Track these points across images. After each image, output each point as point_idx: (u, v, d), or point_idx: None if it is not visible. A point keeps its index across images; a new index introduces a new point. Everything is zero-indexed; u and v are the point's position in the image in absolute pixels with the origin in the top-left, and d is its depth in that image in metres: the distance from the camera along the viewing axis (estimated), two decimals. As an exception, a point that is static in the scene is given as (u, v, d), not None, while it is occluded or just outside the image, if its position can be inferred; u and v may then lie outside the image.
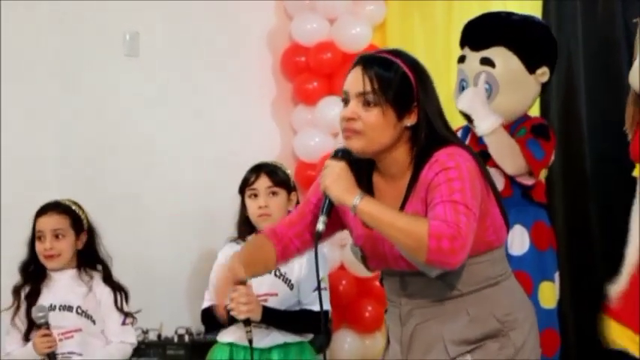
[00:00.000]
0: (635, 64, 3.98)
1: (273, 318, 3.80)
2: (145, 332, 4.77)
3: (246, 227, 3.96)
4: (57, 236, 4.02)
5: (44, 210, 4.07)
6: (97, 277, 4.07)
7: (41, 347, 3.92)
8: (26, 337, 4.00)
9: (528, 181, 4.23)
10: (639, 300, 3.88)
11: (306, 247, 2.94)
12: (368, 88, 2.70)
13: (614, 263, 4.45)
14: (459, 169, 2.65)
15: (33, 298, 4.03)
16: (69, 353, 3.98)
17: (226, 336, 3.90)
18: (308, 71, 5.45)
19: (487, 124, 4.15)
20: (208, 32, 5.31)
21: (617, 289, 3.96)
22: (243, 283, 3.72)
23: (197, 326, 4.87)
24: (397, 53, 2.78)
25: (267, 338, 3.83)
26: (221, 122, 5.33)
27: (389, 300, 2.86)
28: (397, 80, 2.72)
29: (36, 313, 3.94)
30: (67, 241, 4.04)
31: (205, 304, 3.97)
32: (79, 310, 4.01)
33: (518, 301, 2.83)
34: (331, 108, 5.38)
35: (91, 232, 4.13)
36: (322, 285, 3.83)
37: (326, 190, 2.69)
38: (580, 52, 4.49)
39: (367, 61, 2.75)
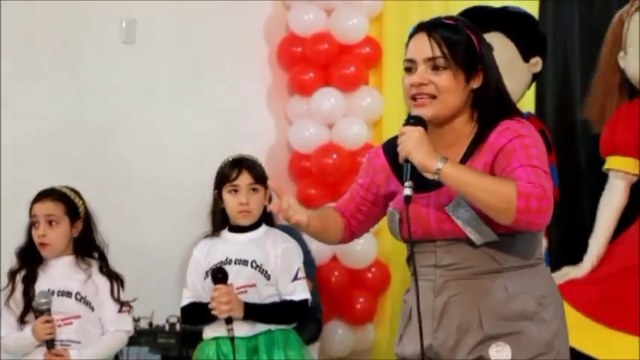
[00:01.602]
0: (631, 53, 3.98)
1: (255, 313, 3.81)
2: (137, 320, 4.76)
3: (221, 222, 3.95)
4: (50, 223, 4.01)
5: (39, 196, 4.05)
6: (95, 266, 4.07)
7: (42, 333, 3.90)
8: (21, 320, 3.98)
9: None
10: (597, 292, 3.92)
11: (361, 227, 2.92)
12: (437, 52, 2.71)
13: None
14: (533, 138, 2.68)
15: (29, 281, 4.00)
16: (68, 341, 3.96)
17: (211, 331, 3.90)
18: (304, 62, 5.44)
19: None
20: (205, 21, 5.30)
21: (573, 274, 3.99)
22: (224, 280, 3.77)
23: (188, 315, 4.88)
24: (455, 18, 2.81)
25: (252, 327, 3.83)
26: (217, 111, 5.33)
27: (420, 274, 2.77)
28: (464, 42, 2.73)
29: (39, 299, 3.92)
30: (61, 228, 4.02)
31: (184, 302, 3.96)
32: (78, 297, 3.99)
33: (553, 287, 2.83)
34: (327, 99, 5.38)
35: (88, 220, 4.11)
36: (300, 275, 3.84)
37: (408, 155, 2.65)
38: (576, 49, 4.50)
39: (430, 26, 2.75)
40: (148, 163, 5.07)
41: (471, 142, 2.73)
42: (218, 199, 3.95)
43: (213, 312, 3.73)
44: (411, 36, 2.77)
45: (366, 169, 2.92)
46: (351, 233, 2.95)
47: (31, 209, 4.03)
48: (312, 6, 5.43)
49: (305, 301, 3.86)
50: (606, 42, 4.15)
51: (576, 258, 4.52)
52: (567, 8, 4.65)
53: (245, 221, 3.89)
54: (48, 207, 4.02)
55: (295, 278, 3.85)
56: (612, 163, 4.11)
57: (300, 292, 3.86)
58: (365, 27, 5.41)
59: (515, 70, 4.29)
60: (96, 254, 4.08)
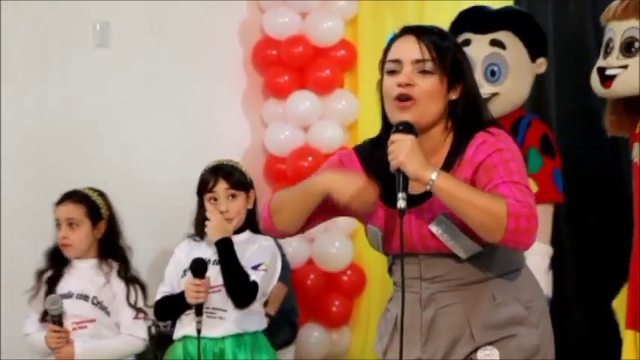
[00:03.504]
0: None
1: (227, 249, 3.81)
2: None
3: (203, 226, 3.96)
4: (70, 225, 4.03)
5: (62, 199, 4.10)
6: (116, 269, 4.08)
7: (51, 342, 3.94)
8: (42, 320, 4.01)
9: None
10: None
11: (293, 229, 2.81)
12: (427, 55, 2.68)
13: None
14: (511, 151, 2.65)
15: (52, 283, 4.05)
16: None
17: (180, 330, 3.92)
18: (279, 65, 5.44)
19: None
20: (180, 24, 5.29)
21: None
22: (203, 271, 3.77)
23: (164, 319, 4.86)
24: (440, 28, 2.80)
25: (220, 327, 3.84)
26: (191, 114, 5.31)
27: (400, 287, 2.73)
28: (452, 51, 2.71)
29: (49, 305, 3.95)
30: (82, 230, 4.05)
31: (158, 297, 3.97)
32: (95, 301, 4.01)
33: (537, 289, 2.83)
34: (302, 102, 5.38)
35: (112, 222, 4.12)
36: (262, 268, 3.85)
37: (401, 165, 2.59)
38: (551, 49, 4.51)
39: (420, 30, 2.73)
40: (122, 167, 5.05)
41: (448, 153, 2.71)
42: (200, 206, 3.97)
43: (190, 301, 3.77)
44: (394, 38, 2.74)
45: (331, 167, 2.82)
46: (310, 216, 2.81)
47: (54, 211, 4.09)
48: (287, 9, 5.42)
49: (255, 284, 3.81)
50: None
51: (582, 265, 4.53)
52: (542, 8, 4.68)
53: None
54: (68, 209, 4.06)
55: (255, 268, 3.85)
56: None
57: (254, 276, 3.83)
58: (340, 30, 5.41)
59: (524, 70, 4.29)
60: (118, 256, 4.09)
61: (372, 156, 2.73)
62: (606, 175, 4.45)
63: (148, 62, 5.18)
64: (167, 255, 4.80)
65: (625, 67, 3.91)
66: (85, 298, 4.01)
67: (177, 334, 3.93)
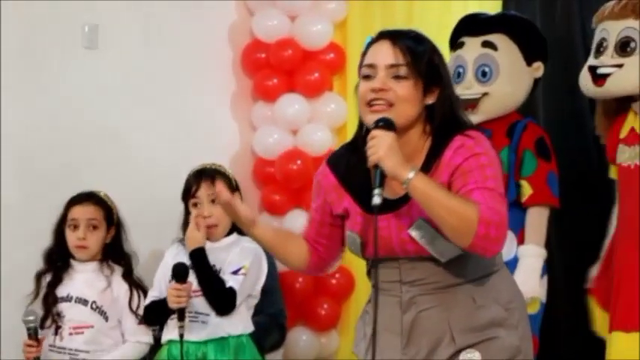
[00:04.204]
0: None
1: (200, 259, 3.82)
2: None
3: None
4: (92, 227, 3.99)
5: (80, 199, 4.08)
6: (118, 273, 4.05)
7: (27, 356, 3.90)
8: (41, 326, 3.97)
9: None
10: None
11: (329, 252, 2.89)
12: (401, 60, 2.68)
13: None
14: (489, 156, 2.65)
15: (51, 287, 4.01)
16: (76, 351, 3.96)
17: (166, 335, 3.93)
18: (268, 68, 5.43)
19: None
20: (169, 26, 5.28)
21: (594, 272, 4.04)
22: (184, 275, 3.77)
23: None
24: (417, 32, 2.78)
25: (203, 332, 3.84)
26: (180, 117, 5.30)
27: (382, 290, 2.78)
28: (428, 55, 2.71)
29: (25, 317, 3.91)
30: (99, 233, 4.06)
31: (147, 301, 3.98)
32: (94, 306, 3.99)
33: (515, 290, 2.84)
34: (291, 105, 5.38)
35: (119, 227, 4.10)
36: (241, 272, 3.84)
37: (380, 161, 2.59)
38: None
39: (395, 35, 2.73)
40: (109, 169, 5.03)
41: (426, 156, 2.70)
42: (186, 210, 3.96)
43: (171, 306, 3.77)
44: (370, 43, 2.74)
45: (316, 191, 2.87)
46: (321, 259, 2.92)
47: (67, 211, 4.02)
48: (276, 12, 5.42)
49: (232, 291, 3.82)
50: None
51: (570, 267, 4.54)
52: (530, 11, 4.69)
53: (215, 236, 3.92)
54: (90, 211, 4.04)
55: (236, 273, 3.84)
56: (611, 172, 4.16)
57: (232, 282, 3.84)
58: (329, 33, 5.41)
59: (519, 73, 4.32)
60: (122, 262, 4.06)
61: (347, 163, 2.72)
62: (594, 177, 4.46)
63: (136, 65, 5.17)
64: (157, 258, 4.80)
65: (620, 65, 3.93)
66: (85, 302, 3.98)
67: (164, 338, 3.95)
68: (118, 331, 4.04)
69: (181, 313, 3.77)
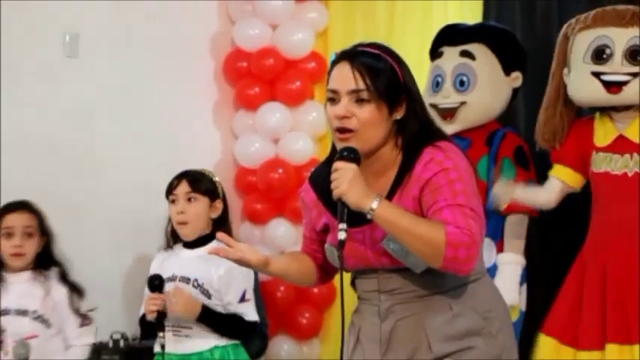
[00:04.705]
0: (572, 74, 4.04)
1: (208, 318, 3.81)
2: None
3: (172, 236, 3.96)
4: (27, 235, 3.96)
5: (14, 207, 4.03)
6: (53, 278, 4.01)
7: None
8: None
9: None
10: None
11: (330, 264, 2.87)
12: (361, 85, 2.66)
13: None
14: (458, 170, 2.64)
15: None
16: None
17: (156, 346, 3.91)
18: (250, 76, 5.44)
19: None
20: (150, 35, 5.28)
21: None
22: (160, 287, 3.75)
23: (132, 331, 4.83)
24: (378, 46, 2.75)
25: (188, 344, 3.84)
26: (162, 126, 5.30)
27: (363, 300, 2.81)
28: (387, 73, 2.68)
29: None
30: (34, 241, 4.01)
31: (140, 313, 3.97)
32: (34, 315, 3.95)
33: (496, 298, 2.84)
34: (272, 113, 5.38)
35: (49, 235, 4.07)
36: (247, 296, 3.85)
37: (342, 196, 2.61)
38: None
39: (353, 56, 2.70)
40: (90, 178, 5.03)
41: (397, 171, 2.70)
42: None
43: (147, 316, 3.77)
44: (333, 64, 2.73)
45: (303, 208, 2.90)
46: (325, 271, 2.92)
47: (1, 220, 3.98)
48: (258, 21, 5.42)
49: (254, 323, 3.87)
50: (555, 57, 4.21)
51: (555, 275, 4.55)
52: (510, 11, 4.72)
53: (184, 232, 3.91)
54: (25, 218, 4.00)
55: (242, 300, 3.85)
56: (555, 170, 4.18)
57: (250, 313, 3.87)
58: (310, 42, 5.42)
59: (497, 82, 4.35)
60: (53, 267, 4.03)
61: (325, 180, 2.72)
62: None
63: (117, 74, 5.16)
64: (140, 264, 4.81)
65: (635, 74, 3.96)
66: (24, 313, 3.94)
67: (155, 348, 3.93)
68: (62, 336, 4.01)
69: (160, 324, 3.76)
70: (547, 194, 4.15)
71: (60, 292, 3.98)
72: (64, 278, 4.01)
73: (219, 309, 3.86)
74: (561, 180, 4.14)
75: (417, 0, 5.03)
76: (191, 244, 3.94)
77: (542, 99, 4.28)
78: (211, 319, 3.82)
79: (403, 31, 5.06)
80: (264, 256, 2.80)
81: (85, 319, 4.00)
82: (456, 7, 4.88)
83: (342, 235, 2.61)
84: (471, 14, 4.82)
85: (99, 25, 5.09)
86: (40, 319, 3.94)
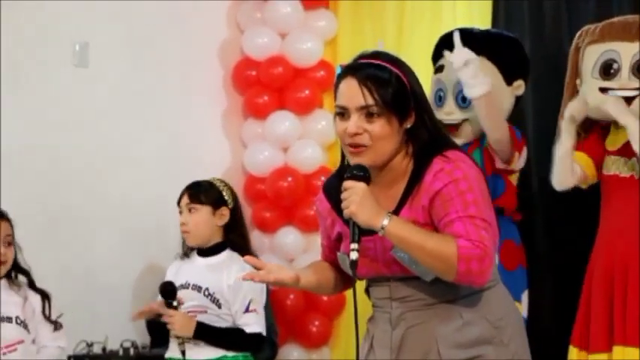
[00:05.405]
0: (583, 87, 4.04)
1: (205, 334, 3.84)
2: (90, 345, 4.73)
3: (186, 244, 4.01)
4: (7, 243, 3.99)
5: None
6: (24, 285, 4.04)
7: None
8: None
9: (503, 166, 4.26)
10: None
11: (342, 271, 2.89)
12: (370, 100, 2.65)
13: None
14: (468, 180, 2.63)
15: None
16: None
17: (168, 351, 3.93)
18: (259, 85, 5.45)
19: (480, 88, 4.15)
20: (159, 44, 5.29)
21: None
22: (172, 294, 3.79)
23: (142, 339, 4.84)
24: (381, 55, 2.73)
25: (202, 352, 3.85)
26: (171, 135, 5.31)
27: (376, 307, 2.82)
28: (394, 83, 2.67)
29: None
30: (12, 249, 4.02)
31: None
32: (18, 321, 3.97)
33: (508, 306, 2.83)
34: (281, 122, 5.39)
35: (16, 243, 4.10)
36: (252, 307, 3.85)
37: (352, 216, 2.62)
38: (527, 52, 4.55)
39: (359, 70, 2.68)
40: (100, 187, 5.04)
41: (408, 181, 2.70)
42: None
43: (168, 326, 3.81)
44: (339, 77, 2.71)
45: (319, 217, 2.90)
46: (344, 274, 2.90)
47: None
48: (267, 29, 5.44)
49: (257, 335, 3.87)
50: (568, 68, 4.22)
51: (559, 277, 4.55)
52: (518, 11, 4.72)
53: (188, 241, 3.97)
54: (6, 227, 4.01)
55: (247, 310, 3.86)
56: (576, 156, 4.16)
57: (253, 324, 3.87)
58: (319, 50, 5.43)
59: (499, 95, 4.34)
60: (20, 276, 4.05)
61: (338, 189, 2.72)
62: (583, 190, 4.48)
63: (127, 83, 5.18)
64: (150, 273, 4.82)
65: None
66: (9, 319, 3.95)
67: (167, 354, 3.96)
68: (36, 341, 4.03)
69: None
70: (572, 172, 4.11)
71: (35, 298, 4.03)
72: (33, 285, 4.04)
73: (229, 319, 3.87)
74: (580, 165, 4.10)
75: (425, 0, 5.02)
76: (204, 252, 3.97)
77: (549, 100, 4.28)
78: (208, 335, 3.85)
79: (411, 37, 5.07)
80: (295, 272, 2.81)
81: (57, 325, 4.03)
82: (464, 7, 4.88)
83: (353, 256, 2.62)
84: (480, 15, 4.82)
85: (108, 35, 5.11)
86: (23, 324, 3.97)
